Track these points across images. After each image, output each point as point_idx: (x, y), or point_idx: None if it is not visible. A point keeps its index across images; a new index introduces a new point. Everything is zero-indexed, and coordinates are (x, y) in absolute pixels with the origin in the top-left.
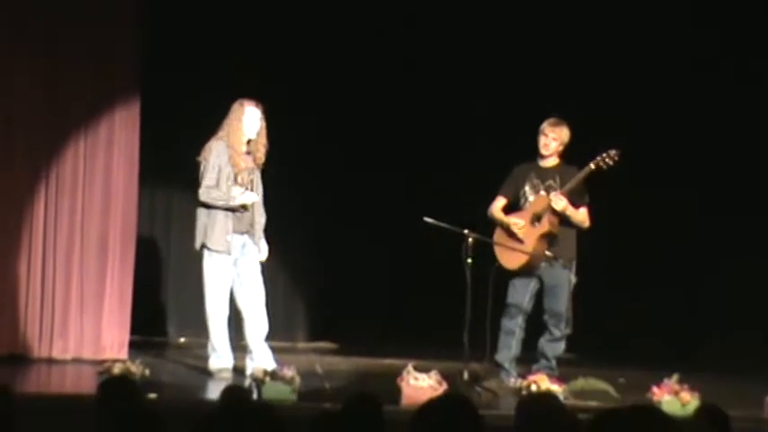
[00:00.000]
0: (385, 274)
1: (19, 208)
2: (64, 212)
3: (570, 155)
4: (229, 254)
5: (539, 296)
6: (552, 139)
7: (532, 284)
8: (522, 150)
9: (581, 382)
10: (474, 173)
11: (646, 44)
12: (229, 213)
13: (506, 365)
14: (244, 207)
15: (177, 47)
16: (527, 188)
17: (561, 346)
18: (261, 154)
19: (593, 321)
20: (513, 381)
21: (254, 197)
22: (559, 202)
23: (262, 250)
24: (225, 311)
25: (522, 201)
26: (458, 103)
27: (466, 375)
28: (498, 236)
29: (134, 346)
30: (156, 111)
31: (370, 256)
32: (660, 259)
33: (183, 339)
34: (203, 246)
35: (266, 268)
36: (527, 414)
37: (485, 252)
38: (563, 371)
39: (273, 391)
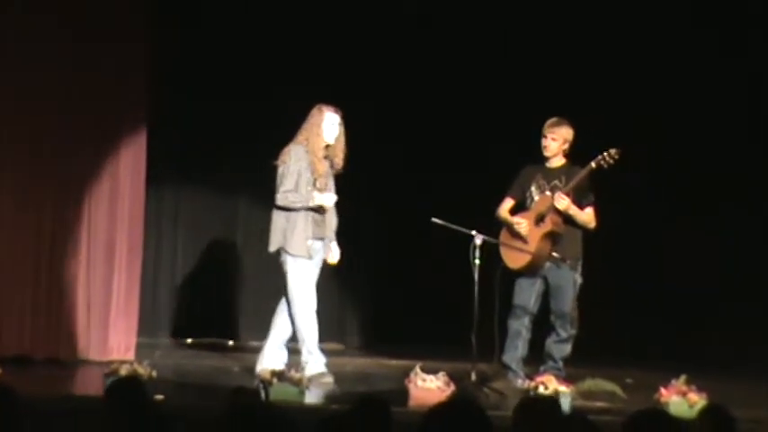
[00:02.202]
0: (390, 275)
1: (25, 210)
2: (71, 215)
3: (579, 155)
4: (311, 258)
5: (545, 297)
6: (551, 140)
7: (538, 285)
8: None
9: (589, 383)
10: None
11: (660, 45)
12: (309, 218)
13: (513, 366)
14: (321, 208)
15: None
16: (533, 188)
17: (568, 346)
18: (339, 159)
19: (601, 321)
20: (521, 382)
21: (333, 198)
22: (562, 202)
23: (334, 252)
24: (313, 315)
25: (529, 201)
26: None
27: (474, 376)
28: (504, 236)
29: (141, 348)
30: (164, 118)
31: (375, 256)
32: (665, 258)
33: (190, 340)
34: (282, 250)
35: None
36: (524, 417)
37: (493, 253)
38: (571, 372)
39: (281, 392)
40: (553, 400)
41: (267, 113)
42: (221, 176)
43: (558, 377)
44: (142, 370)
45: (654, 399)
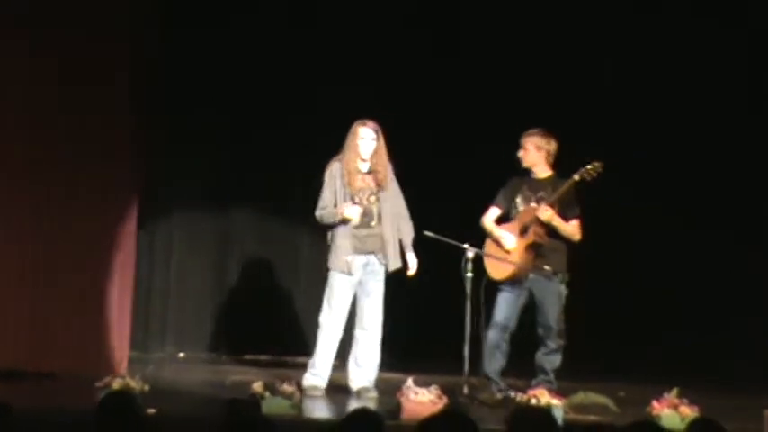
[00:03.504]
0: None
1: (15, 222)
2: (61, 226)
3: (569, 166)
4: (350, 274)
5: (529, 310)
6: (525, 150)
7: (521, 299)
8: None
9: (581, 396)
10: None
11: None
12: (347, 233)
13: (494, 377)
14: (344, 221)
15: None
16: (518, 199)
17: (557, 358)
18: (380, 174)
19: (593, 334)
20: (502, 393)
21: (356, 211)
22: (545, 213)
23: (410, 263)
24: (336, 331)
25: (514, 212)
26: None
27: (466, 389)
28: (488, 246)
29: (134, 362)
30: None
31: None
32: (660, 269)
33: (182, 354)
34: (328, 266)
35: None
36: (517, 428)
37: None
38: (563, 385)
39: (274, 405)
40: (546, 410)
41: (261, 119)
42: (216, 189)
43: (550, 390)
44: (134, 384)
45: (646, 412)
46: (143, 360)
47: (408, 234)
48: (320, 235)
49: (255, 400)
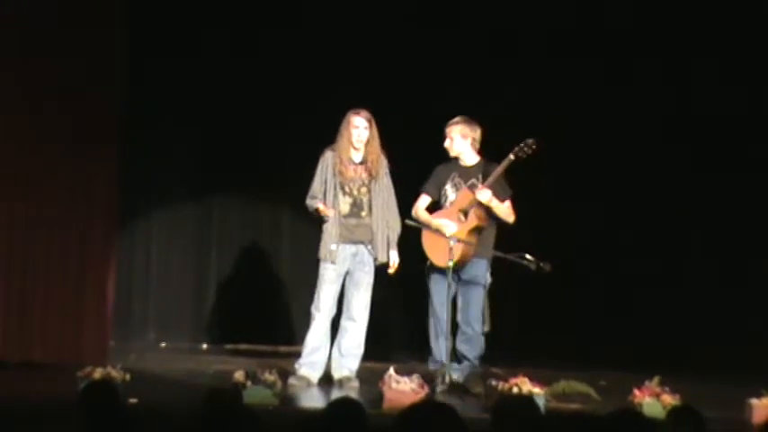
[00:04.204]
0: None
1: None
2: (42, 215)
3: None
4: (333, 263)
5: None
6: (450, 139)
7: (454, 284)
8: None
9: (562, 385)
10: None
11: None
12: (336, 222)
13: (445, 360)
14: (320, 215)
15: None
16: (448, 187)
17: (478, 344)
18: (372, 164)
19: (572, 323)
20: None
21: (331, 212)
22: (484, 194)
23: (392, 260)
24: (326, 321)
25: (443, 200)
26: None
27: (447, 378)
28: (425, 236)
29: (115, 352)
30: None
31: None
32: (642, 258)
33: (164, 344)
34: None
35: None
36: (502, 416)
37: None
38: (544, 374)
39: (255, 394)
40: (530, 398)
41: (242, 107)
42: (196, 177)
43: (531, 379)
44: (116, 373)
45: (628, 400)
46: (124, 350)
47: (395, 230)
48: (302, 224)
49: (236, 389)
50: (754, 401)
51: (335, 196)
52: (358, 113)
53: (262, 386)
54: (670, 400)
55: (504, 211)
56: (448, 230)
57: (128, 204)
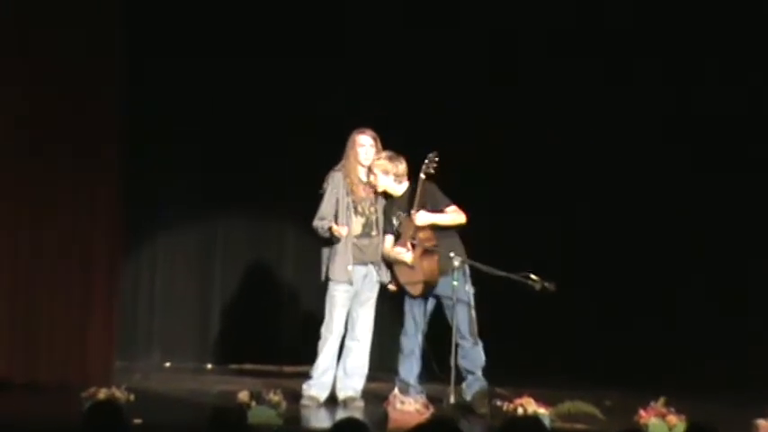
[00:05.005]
0: None
1: (1, 231)
2: (48, 236)
3: None
4: (351, 284)
5: (439, 311)
6: (374, 176)
7: (430, 303)
8: None
9: (568, 405)
10: None
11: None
12: (349, 243)
13: (413, 383)
14: (332, 235)
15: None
16: (394, 220)
17: (477, 356)
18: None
19: (578, 342)
20: (421, 398)
21: (345, 231)
22: (420, 217)
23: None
24: (336, 341)
25: (397, 234)
26: None
27: (452, 399)
28: (398, 270)
29: (120, 372)
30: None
31: None
32: (643, 279)
33: (168, 364)
34: (327, 277)
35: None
36: None
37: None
38: (549, 394)
39: (260, 415)
40: (537, 419)
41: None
42: (200, 197)
43: (536, 399)
44: (120, 394)
45: (633, 421)
46: (129, 370)
47: None
48: (306, 244)
49: (241, 409)
50: (761, 422)
51: (348, 217)
52: (363, 132)
53: (266, 406)
54: (675, 420)
55: (449, 219)
56: (407, 258)
57: (132, 225)
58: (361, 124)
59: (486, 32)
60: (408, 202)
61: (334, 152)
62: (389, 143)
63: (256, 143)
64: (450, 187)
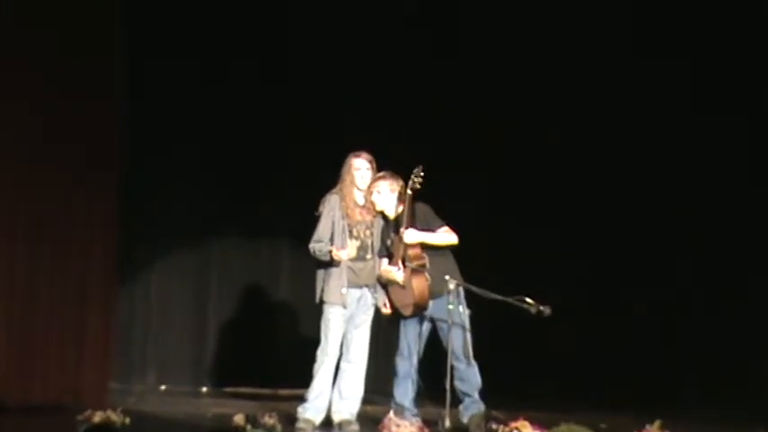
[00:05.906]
0: None
1: None
2: (44, 258)
3: None
4: (345, 307)
5: (434, 334)
6: (377, 192)
7: (425, 325)
8: None
9: (563, 428)
10: None
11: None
12: (344, 266)
13: (409, 406)
14: (332, 259)
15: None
16: (389, 242)
17: (473, 377)
18: (372, 204)
19: (574, 367)
20: (416, 421)
21: (345, 255)
22: (409, 235)
23: (388, 303)
24: (332, 364)
25: (389, 253)
26: None
27: (447, 422)
28: (392, 291)
29: (115, 394)
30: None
31: None
32: (639, 303)
33: (164, 387)
34: (321, 300)
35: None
36: None
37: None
38: (545, 417)
39: None
40: None
41: (241, 148)
42: (193, 219)
43: (532, 423)
44: (116, 416)
45: None
46: (124, 392)
47: None
48: (301, 266)
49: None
50: None
51: (344, 239)
52: (359, 156)
53: (261, 429)
54: None
55: (439, 239)
56: (398, 276)
57: (128, 248)
58: (359, 142)
59: (486, 32)
60: (395, 224)
61: (331, 178)
62: (390, 142)
63: (253, 159)
64: (450, 187)
